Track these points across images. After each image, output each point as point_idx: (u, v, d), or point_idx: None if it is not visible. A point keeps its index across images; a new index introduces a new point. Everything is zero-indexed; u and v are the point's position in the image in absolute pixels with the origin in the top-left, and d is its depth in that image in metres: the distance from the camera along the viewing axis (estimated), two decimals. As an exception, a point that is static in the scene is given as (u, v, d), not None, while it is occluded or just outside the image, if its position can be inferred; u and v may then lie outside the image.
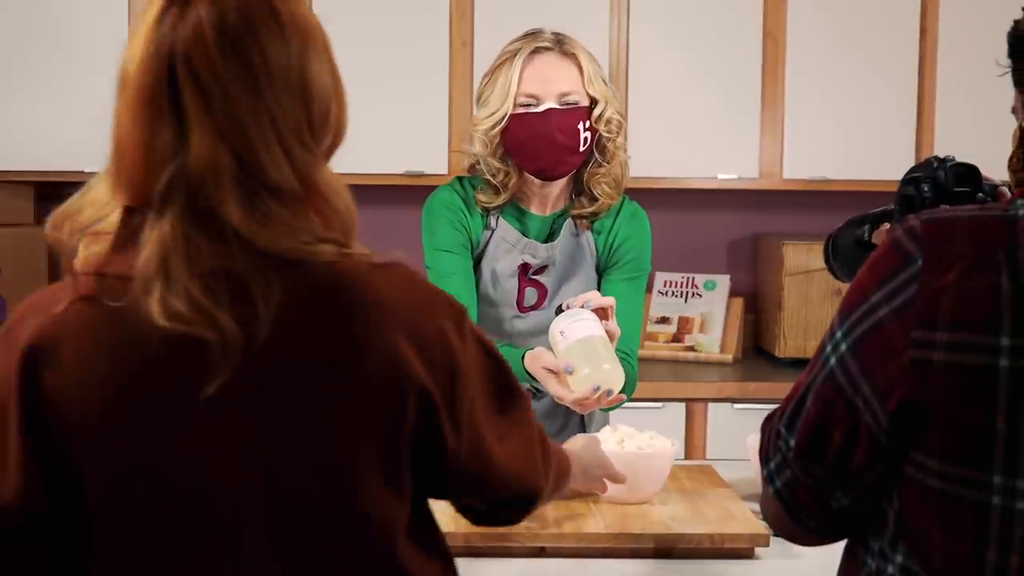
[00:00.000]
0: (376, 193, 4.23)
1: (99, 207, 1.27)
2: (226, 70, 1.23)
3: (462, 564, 2.07)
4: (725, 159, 4.05)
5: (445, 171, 3.95)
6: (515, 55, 2.51)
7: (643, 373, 2.88)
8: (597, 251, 2.60)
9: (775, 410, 1.47)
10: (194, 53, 1.22)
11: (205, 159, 1.22)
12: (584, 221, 2.59)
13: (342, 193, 1.32)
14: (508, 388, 1.41)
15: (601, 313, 2.35)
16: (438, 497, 1.42)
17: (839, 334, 1.37)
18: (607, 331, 2.34)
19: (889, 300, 1.33)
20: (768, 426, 1.47)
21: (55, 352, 1.23)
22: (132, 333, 1.21)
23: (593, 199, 2.57)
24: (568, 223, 2.59)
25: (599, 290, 2.58)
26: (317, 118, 1.30)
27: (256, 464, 1.23)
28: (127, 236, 1.25)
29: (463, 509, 1.51)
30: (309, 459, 1.24)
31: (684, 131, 4.03)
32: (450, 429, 1.31)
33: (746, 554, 2.11)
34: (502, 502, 1.47)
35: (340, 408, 1.25)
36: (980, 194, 1.92)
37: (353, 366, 1.24)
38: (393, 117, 3.96)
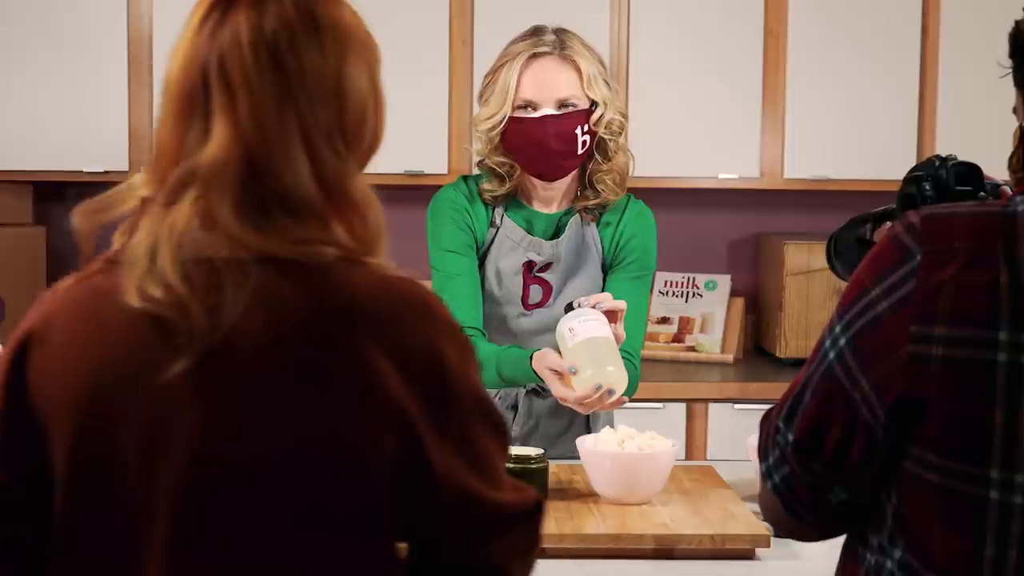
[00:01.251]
0: (375, 192, 4.21)
1: (135, 202, 1.30)
2: (257, 73, 1.24)
3: (462, 565, 2.07)
4: (726, 159, 4.05)
5: (445, 171, 3.95)
6: (515, 58, 2.51)
7: (644, 373, 2.88)
8: (603, 248, 2.60)
9: (773, 406, 1.47)
10: (228, 57, 1.25)
11: (215, 158, 1.23)
12: (589, 214, 2.59)
13: (372, 205, 1.32)
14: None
15: (611, 316, 2.35)
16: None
17: (838, 329, 1.38)
18: (613, 335, 2.34)
19: (888, 295, 1.33)
20: (766, 422, 1.47)
21: (46, 335, 1.26)
22: (108, 312, 1.23)
23: (597, 193, 2.58)
24: (574, 220, 2.59)
25: (604, 288, 2.58)
26: (351, 124, 1.31)
27: (199, 452, 1.21)
28: (135, 225, 1.27)
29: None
30: (256, 453, 1.21)
31: (685, 130, 4.02)
32: (433, 454, 1.25)
33: (747, 555, 2.10)
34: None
35: (297, 408, 1.22)
36: (982, 193, 1.92)
37: (320, 368, 1.22)
38: (392, 116, 3.90)
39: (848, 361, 1.35)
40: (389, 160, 3.98)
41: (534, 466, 2.27)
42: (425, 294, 1.29)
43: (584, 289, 2.56)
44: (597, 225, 2.60)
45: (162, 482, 1.21)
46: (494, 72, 2.54)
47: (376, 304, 1.25)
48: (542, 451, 2.31)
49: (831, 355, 1.37)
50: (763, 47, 4.01)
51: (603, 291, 2.56)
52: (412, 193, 4.15)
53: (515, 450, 2.31)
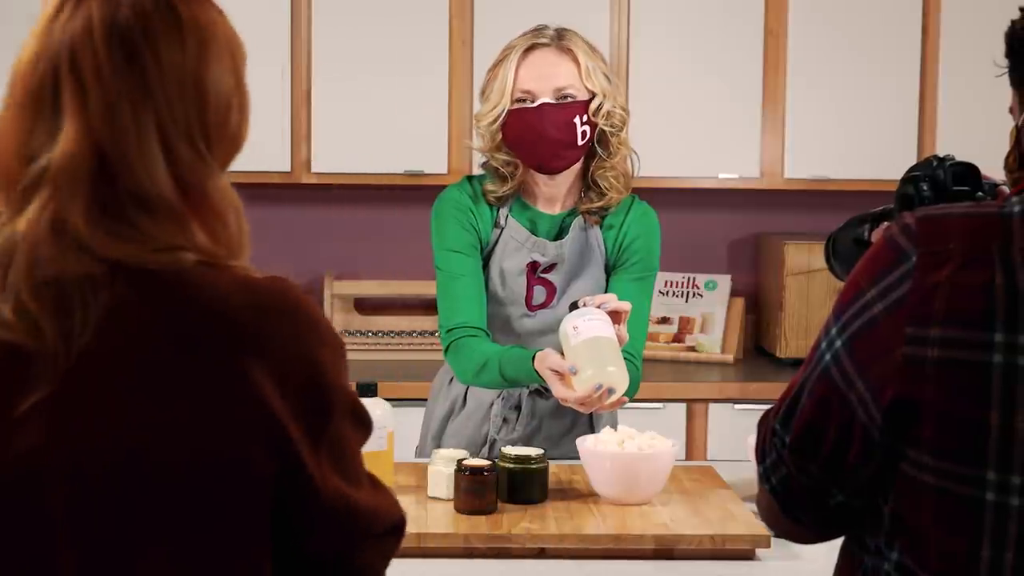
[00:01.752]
0: (375, 192, 4.22)
1: None
2: (111, 67, 1.19)
3: (462, 565, 2.07)
4: (726, 158, 4.04)
5: (445, 170, 3.94)
6: (513, 51, 2.52)
7: (644, 373, 2.88)
8: (606, 249, 2.60)
9: (770, 408, 1.47)
10: (80, 49, 1.19)
11: (65, 155, 1.18)
12: (593, 216, 2.59)
13: (234, 206, 1.25)
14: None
15: (615, 317, 2.35)
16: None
17: (834, 331, 1.37)
18: (617, 336, 2.34)
19: (883, 297, 1.32)
20: (764, 424, 1.47)
21: None
22: None
23: (601, 194, 2.57)
24: (578, 221, 2.59)
25: (607, 289, 2.58)
26: (213, 123, 1.24)
27: (64, 476, 1.16)
28: None
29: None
30: (130, 472, 1.16)
31: (685, 130, 4.02)
32: (311, 464, 1.21)
33: (747, 555, 2.10)
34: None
35: (164, 426, 1.17)
36: (980, 193, 1.91)
37: (187, 382, 1.17)
38: (393, 116, 3.95)
39: (844, 363, 1.35)
40: (389, 160, 3.99)
41: (534, 466, 2.27)
42: (296, 295, 1.23)
43: (588, 290, 2.55)
44: (600, 227, 2.60)
45: (47, 500, 1.16)
46: (494, 67, 2.56)
47: (243, 309, 1.19)
48: (542, 451, 2.31)
49: (827, 357, 1.37)
50: (763, 47, 4.01)
51: (606, 292, 2.56)
52: (412, 193, 4.15)
53: (515, 450, 2.31)
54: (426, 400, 2.78)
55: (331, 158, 3.97)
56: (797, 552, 2.08)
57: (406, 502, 2.26)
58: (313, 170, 3.97)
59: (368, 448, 2.25)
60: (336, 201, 4.27)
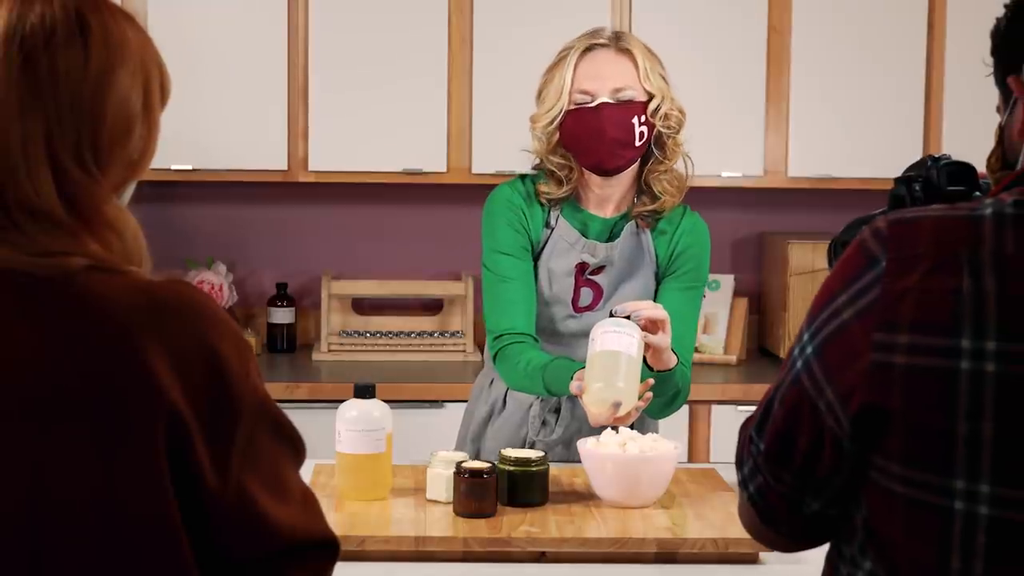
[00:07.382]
0: (373, 191, 4.19)
1: None
2: (6, 74, 1.18)
3: (461, 569, 2.05)
4: (729, 157, 4.02)
5: (444, 169, 3.91)
6: (571, 51, 2.54)
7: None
8: (657, 256, 2.59)
9: (749, 415, 1.45)
10: None
11: None
12: (645, 220, 2.57)
13: (128, 223, 1.23)
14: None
15: (651, 326, 2.32)
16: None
17: (806, 337, 1.36)
18: (655, 343, 2.31)
19: (853, 302, 1.31)
20: (743, 431, 1.46)
21: None
22: None
23: (655, 197, 2.56)
24: (630, 225, 2.58)
25: (655, 296, 2.57)
26: (107, 142, 1.22)
27: None
28: None
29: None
30: (28, 477, 1.16)
31: (688, 129, 3.97)
32: (210, 467, 1.19)
33: (750, 559, 2.09)
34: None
35: (63, 427, 1.16)
36: (977, 193, 1.89)
37: (75, 385, 1.16)
38: (391, 115, 3.92)
39: (814, 369, 1.33)
40: (387, 158, 3.97)
41: (534, 468, 2.26)
42: (196, 294, 1.22)
43: (636, 294, 2.55)
44: (652, 232, 2.58)
45: None
46: (551, 69, 2.56)
47: (137, 307, 1.18)
48: (543, 454, 2.29)
49: (799, 363, 1.35)
50: (767, 45, 3.99)
51: (655, 299, 2.56)
52: (410, 191, 4.13)
53: (515, 452, 2.28)
54: (426, 401, 2.77)
55: (328, 156, 3.94)
56: (800, 555, 2.05)
57: (405, 505, 2.24)
58: (310, 168, 3.94)
59: (367, 450, 2.27)
60: (334, 200, 4.25)
